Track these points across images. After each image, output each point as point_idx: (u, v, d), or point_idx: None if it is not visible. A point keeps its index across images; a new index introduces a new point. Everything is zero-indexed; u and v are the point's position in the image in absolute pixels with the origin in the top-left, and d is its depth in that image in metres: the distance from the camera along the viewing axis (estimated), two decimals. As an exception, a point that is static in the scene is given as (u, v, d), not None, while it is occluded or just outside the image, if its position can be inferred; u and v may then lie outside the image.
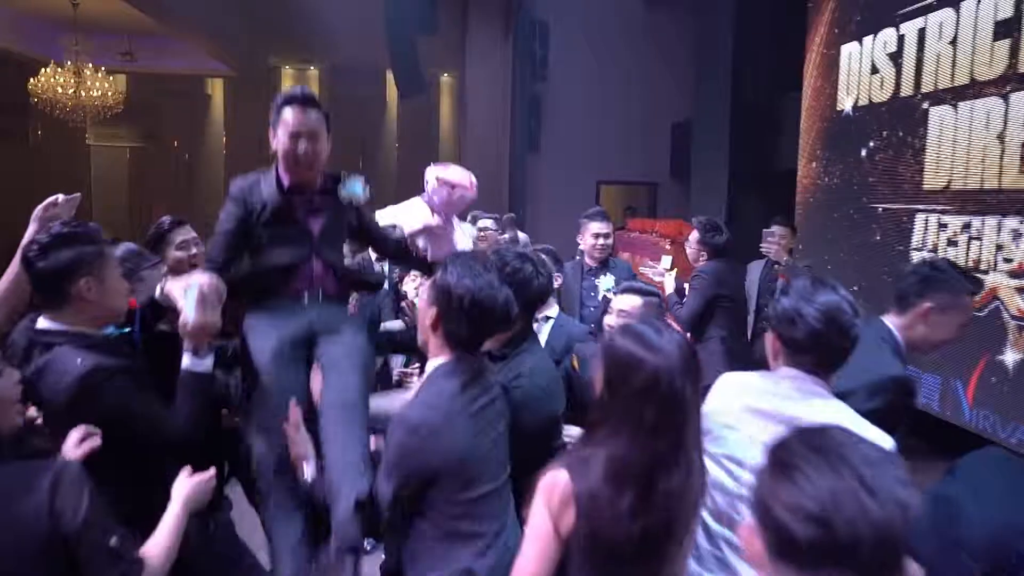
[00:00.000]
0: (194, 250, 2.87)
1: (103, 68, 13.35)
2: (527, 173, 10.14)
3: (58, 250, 1.86)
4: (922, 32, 4.74)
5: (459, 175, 2.58)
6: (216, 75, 17.08)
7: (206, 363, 2.02)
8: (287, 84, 17.47)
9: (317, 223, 2.31)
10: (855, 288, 5.50)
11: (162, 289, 2.12)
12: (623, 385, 1.44)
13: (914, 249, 4.84)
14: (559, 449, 2.09)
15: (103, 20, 12.95)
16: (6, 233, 15.80)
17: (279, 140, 2.26)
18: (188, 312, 1.97)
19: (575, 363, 2.67)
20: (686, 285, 4.39)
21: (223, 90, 17.65)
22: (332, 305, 2.32)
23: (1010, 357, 4.04)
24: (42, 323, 1.91)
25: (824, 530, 0.90)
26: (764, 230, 4.87)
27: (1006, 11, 4.02)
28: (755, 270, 5.15)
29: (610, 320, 2.67)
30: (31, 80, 12.88)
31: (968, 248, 4.34)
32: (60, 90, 12.82)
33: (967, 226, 4.34)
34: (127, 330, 2.10)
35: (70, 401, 1.78)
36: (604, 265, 3.98)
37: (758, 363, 4.91)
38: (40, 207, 2.41)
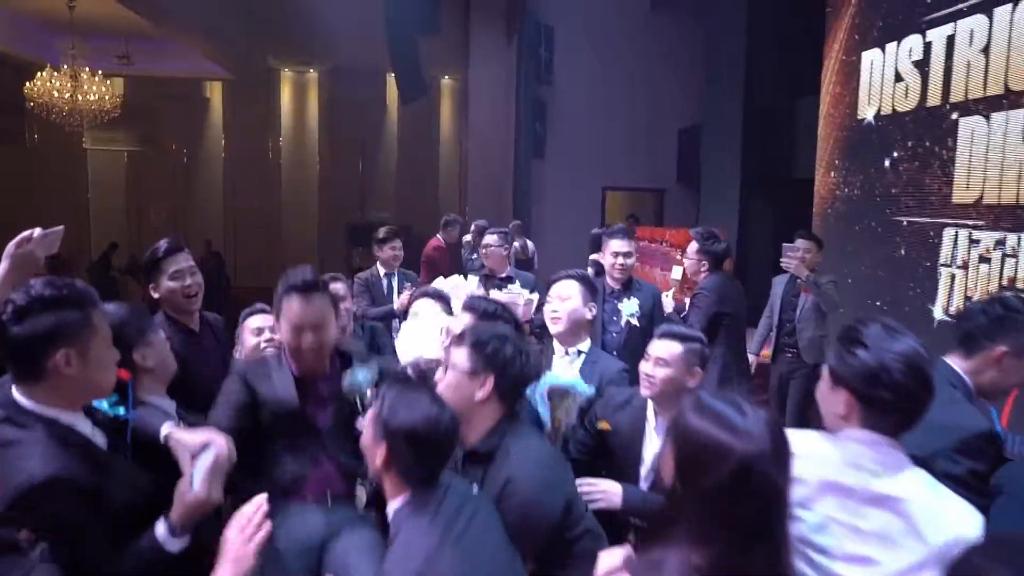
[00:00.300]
0: (188, 280, 2.71)
1: (100, 72, 13.17)
2: (532, 178, 9.95)
3: (36, 315, 1.60)
4: (951, 39, 4.56)
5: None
6: (214, 78, 16.91)
7: (180, 544, 1.73)
8: (286, 86, 17.30)
9: (326, 418, 2.17)
10: (878, 303, 5.32)
11: (168, 437, 1.86)
12: (703, 477, 1.20)
13: (943, 265, 4.66)
14: (580, 537, 1.92)
15: (100, 22, 12.79)
16: (3, 237, 15.63)
17: (283, 332, 2.16)
18: (194, 483, 1.71)
19: (604, 426, 2.47)
20: (687, 300, 4.20)
21: (221, 93, 17.47)
22: (343, 507, 2.12)
23: (1049, 381, 3.85)
24: (16, 394, 1.65)
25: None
26: (785, 244, 4.68)
27: (1045, 18, 3.84)
28: (778, 284, 4.98)
29: (647, 368, 2.38)
30: (27, 84, 12.70)
31: (1003, 265, 4.15)
32: (56, 94, 12.64)
33: (1001, 242, 4.16)
34: (121, 413, 1.88)
35: (9, 506, 1.52)
36: (627, 287, 3.70)
37: (781, 381, 4.76)
38: (12, 243, 2.14)
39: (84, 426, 1.69)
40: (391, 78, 16.19)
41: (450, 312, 2.82)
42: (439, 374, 2.30)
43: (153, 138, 17.42)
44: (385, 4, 10.01)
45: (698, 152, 9.55)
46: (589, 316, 2.82)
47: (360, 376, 2.15)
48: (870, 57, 5.41)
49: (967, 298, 4.45)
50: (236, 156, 17.37)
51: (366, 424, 1.74)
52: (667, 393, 2.35)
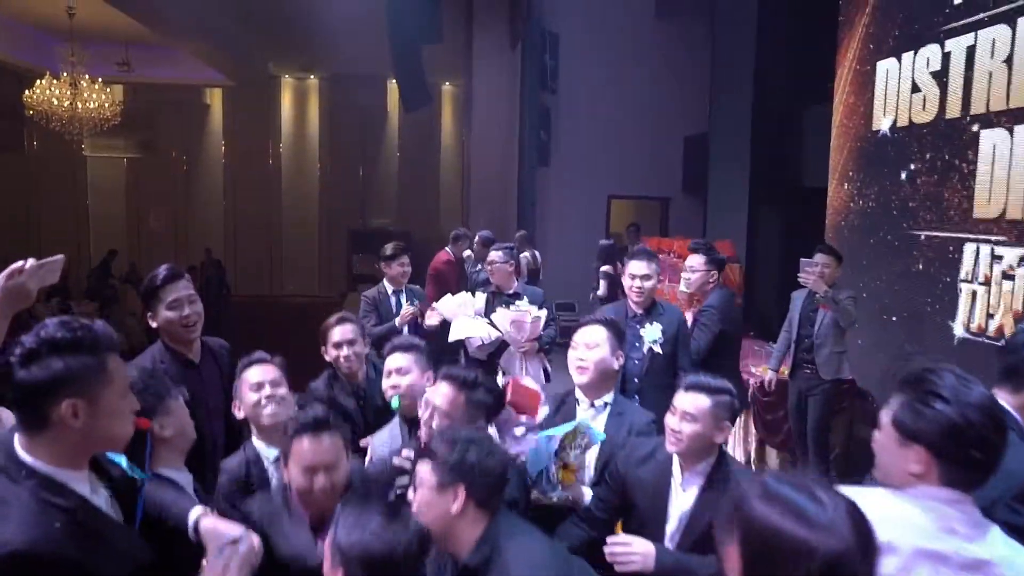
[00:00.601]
0: (187, 310, 2.59)
1: (100, 79, 13.09)
2: (537, 187, 9.85)
3: (45, 359, 1.45)
4: (971, 50, 4.45)
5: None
6: (214, 84, 16.88)
7: None
8: (287, 93, 17.26)
9: None
10: (894, 318, 5.21)
11: (199, 523, 1.75)
12: (781, 572, 1.06)
13: (963, 280, 4.55)
14: None
15: (99, 29, 12.75)
16: (1, 241, 15.45)
17: (292, 475, 2.06)
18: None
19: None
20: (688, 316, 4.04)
21: (221, 99, 17.43)
22: None
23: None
24: (16, 443, 1.51)
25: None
26: (803, 259, 4.58)
27: (1072, 30, 3.74)
28: (797, 299, 4.88)
29: (673, 423, 2.24)
30: (27, 92, 12.61)
31: (1027, 282, 4.05)
32: (56, 102, 12.55)
33: (1025, 259, 4.05)
34: (142, 477, 1.74)
35: None
36: (649, 311, 3.51)
37: (800, 398, 4.64)
38: (3, 274, 1.96)
39: (83, 486, 1.54)
40: (391, 84, 16.16)
41: (424, 363, 2.68)
42: (424, 411, 2.24)
43: (153, 144, 17.36)
44: (388, 14, 9.92)
45: (704, 160, 9.45)
46: (616, 366, 2.64)
47: None
48: (885, 67, 5.31)
49: (989, 315, 4.34)
50: (236, 162, 17.33)
51: (324, 548, 1.61)
52: (694, 449, 2.22)
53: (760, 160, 7.74)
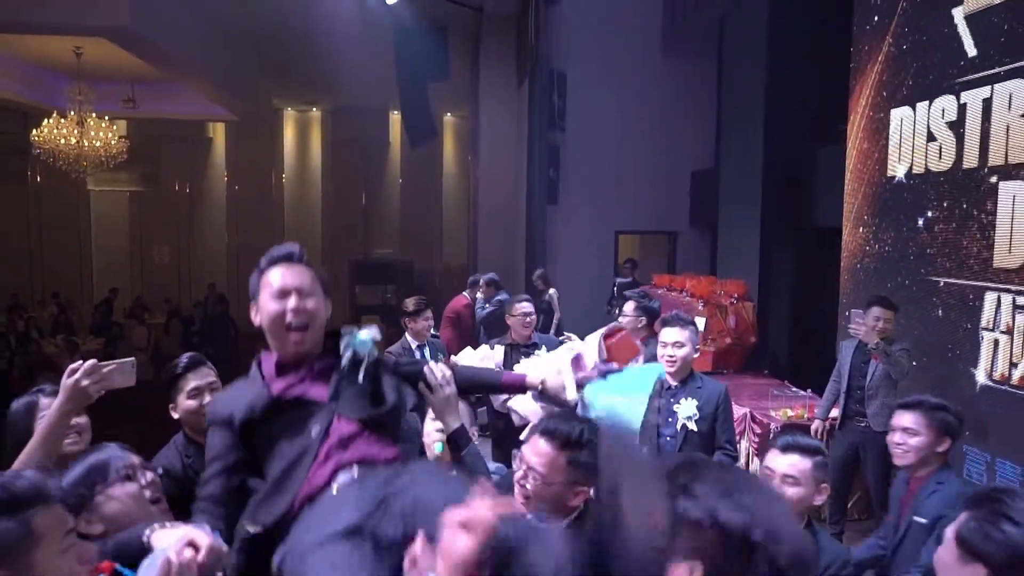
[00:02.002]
0: (207, 398, 2.48)
1: (106, 117, 13.19)
2: (546, 225, 9.91)
3: None
4: (987, 102, 4.53)
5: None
6: (217, 119, 17.00)
7: None
8: (289, 126, 17.41)
9: (323, 391, 1.78)
10: (915, 363, 5.23)
11: (148, 537, 1.54)
12: None
13: (984, 328, 4.59)
14: None
15: (106, 68, 12.87)
16: (5, 274, 15.43)
17: (262, 308, 1.82)
18: None
19: None
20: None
21: (224, 133, 17.55)
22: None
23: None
24: None
25: None
26: (853, 311, 4.62)
27: (1091, 89, 3.81)
28: (847, 349, 4.89)
29: (775, 484, 2.16)
30: (34, 131, 12.71)
31: (1051, 334, 4.09)
32: (63, 141, 12.64)
33: (1049, 310, 4.09)
34: None
35: None
36: (686, 383, 3.31)
37: (848, 449, 4.62)
38: (67, 373, 1.96)
39: None
40: (394, 116, 16.33)
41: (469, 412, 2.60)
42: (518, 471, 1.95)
43: (156, 178, 17.45)
44: (396, 52, 10.06)
45: (711, 195, 9.52)
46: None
47: (362, 334, 1.79)
48: (900, 115, 5.39)
49: (1012, 364, 4.37)
50: (239, 195, 17.42)
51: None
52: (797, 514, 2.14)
53: (772, 198, 7.80)
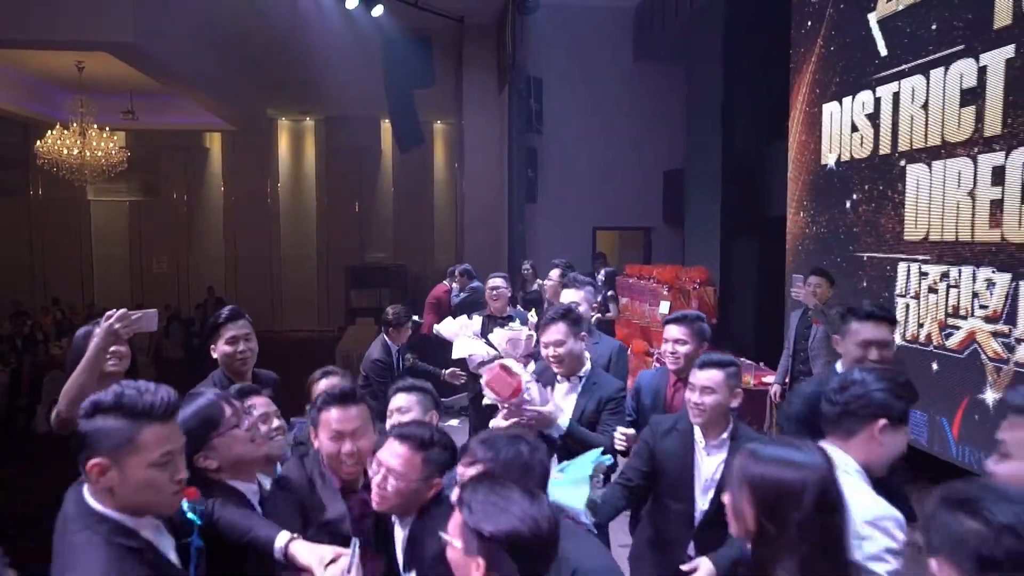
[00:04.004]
0: (242, 346, 3.02)
1: (107, 128, 13.70)
2: (526, 222, 10.51)
3: (96, 416, 1.54)
4: (896, 96, 5.14)
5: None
6: (214, 129, 17.49)
7: None
8: (284, 135, 17.94)
9: (369, 525, 2.22)
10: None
11: (288, 549, 1.88)
12: (792, 512, 1.46)
13: (899, 295, 5.18)
14: None
15: (106, 81, 13.24)
16: (7, 284, 15.87)
17: (321, 442, 2.21)
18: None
19: None
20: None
21: (221, 142, 18.08)
22: None
23: (990, 396, 4.36)
24: (87, 495, 1.59)
25: (1017, 541, 1.17)
26: (794, 275, 5.25)
27: (970, 81, 4.41)
28: (793, 318, 5.54)
29: (695, 398, 2.62)
30: (38, 142, 13.19)
31: (947, 295, 4.68)
32: (65, 152, 13.13)
33: (945, 275, 4.69)
34: (194, 519, 1.83)
35: None
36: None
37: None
38: (112, 319, 2.58)
39: (147, 531, 1.62)
40: (385, 124, 16.87)
41: (428, 404, 2.69)
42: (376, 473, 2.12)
43: (155, 188, 17.93)
44: (384, 61, 10.65)
45: (682, 193, 10.14)
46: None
47: None
48: (830, 109, 6.00)
49: (920, 325, 4.97)
50: (236, 203, 17.93)
51: (450, 536, 1.52)
52: (714, 418, 2.64)
53: (730, 192, 8.42)
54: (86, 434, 1.53)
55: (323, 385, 2.89)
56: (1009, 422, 1.66)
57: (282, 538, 1.89)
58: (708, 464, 2.71)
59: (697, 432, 2.72)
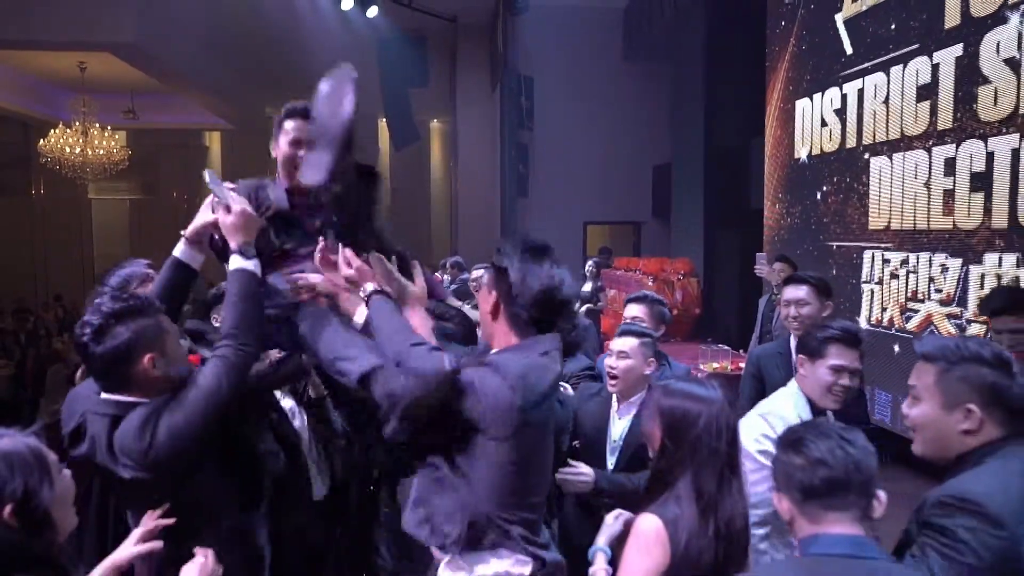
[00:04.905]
0: None
1: (108, 127, 13.96)
2: (518, 216, 10.79)
3: (116, 329, 1.75)
4: (860, 92, 5.42)
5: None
6: (214, 128, 17.71)
7: (253, 262, 2.04)
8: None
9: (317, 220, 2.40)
10: (817, 317, 6.11)
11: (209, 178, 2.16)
12: (689, 432, 1.76)
13: (864, 282, 5.47)
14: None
15: (108, 81, 13.45)
16: (9, 282, 16.04)
17: (280, 147, 2.45)
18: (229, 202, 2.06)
19: None
20: None
21: (220, 141, 18.31)
22: None
23: (945, 374, 4.63)
24: (106, 396, 1.83)
25: (829, 469, 1.45)
26: (758, 254, 5.57)
27: (924, 78, 4.70)
28: (761, 303, 5.77)
29: (611, 361, 2.82)
30: (41, 141, 13.44)
31: (907, 280, 4.96)
32: (68, 150, 13.39)
33: (905, 261, 4.97)
34: None
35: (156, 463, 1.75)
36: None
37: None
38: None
39: None
40: (382, 123, 17.13)
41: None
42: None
43: (155, 186, 18.14)
44: (379, 61, 10.92)
45: (670, 187, 10.42)
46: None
47: None
48: (802, 105, 6.28)
49: (883, 309, 5.25)
50: (235, 200, 18.14)
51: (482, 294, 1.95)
52: (630, 382, 2.83)
53: (713, 186, 8.70)
54: (127, 342, 1.74)
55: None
56: (917, 369, 1.87)
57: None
58: (618, 427, 2.90)
59: (614, 397, 2.93)
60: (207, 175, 2.21)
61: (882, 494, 1.51)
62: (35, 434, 1.43)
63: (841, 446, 1.48)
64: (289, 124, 2.43)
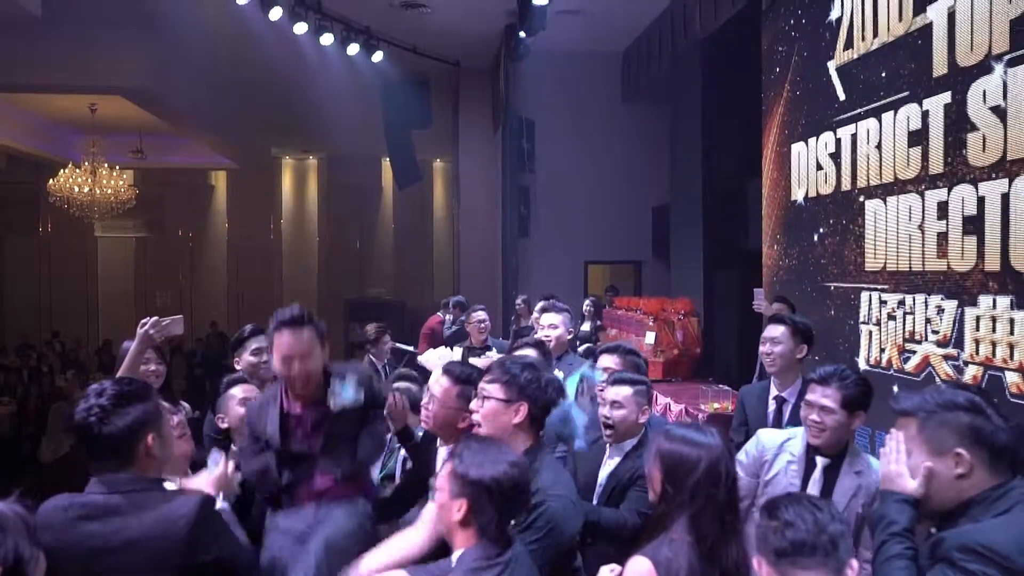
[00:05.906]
0: (265, 357, 3.33)
1: (116, 167, 14.18)
2: (519, 257, 10.90)
3: (123, 411, 1.90)
4: (854, 137, 5.53)
5: None
6: (219, 167, 18.00)
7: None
8: (287, 173, 18.43)
9: (318, 440, 2.51)
10: (816, 358, 6.14)
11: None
12: (688, 477, 1.83)
13: (862, 323, 5.52)
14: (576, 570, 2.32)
15: (117, 122, 13.75)
16: (15, 319, 16.23)
17: (274, 362, 2.52)
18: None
19: None
20: None
21: (225, 180, 18.57)
22: (336, 506, 2.50)
23: (943, 415, 4.66)
24: (111, 479, 1.94)
25: (795, 531, 1.56)
26: (756, 289, 5.67)
27: (915, 124, 4.81)
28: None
29: (605, 411, 2.87)
30: (51, 180, 13.65)
31: (904, 322, 5.01)
32: (76, 189, 13.59)
33: (901, 302, 5.03)
34: None
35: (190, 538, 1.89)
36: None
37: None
38: (146, 326, 3.04)
39: None
40: (386, 163, 17.35)
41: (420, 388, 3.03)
42: (425, 398, 2.57)
43: (161, 224, 18.36)
44: (383, 102, 11.13)
45: (668, 228, 10.54)
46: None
47: (344, 390, 2.47)
48: (797, 149, 6.40)
49: (881, 350, 5.29)
50: (239, 239, 18.32)
51: (439, 481, 1.85)
52: (622, 432, 2.91)
53: (711, 227, 8.82)
54: (133, 422, 1.91)
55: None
56: (898, 425, 1.97)
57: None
58: (605, 468, 2.98)
59: (608, 446, 3.00)
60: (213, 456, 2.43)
61: (855, 563, 1.63)
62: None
63: (811, 511, 1.61)
64: (280, 337, 2.49)
